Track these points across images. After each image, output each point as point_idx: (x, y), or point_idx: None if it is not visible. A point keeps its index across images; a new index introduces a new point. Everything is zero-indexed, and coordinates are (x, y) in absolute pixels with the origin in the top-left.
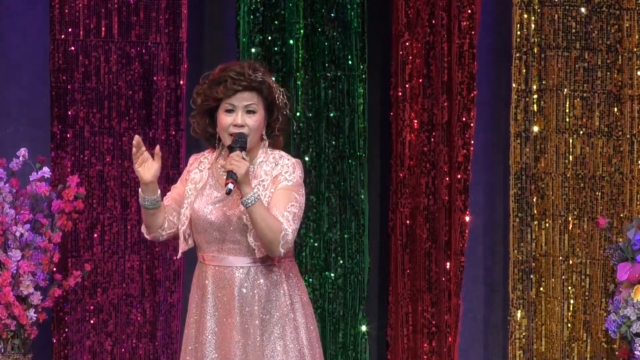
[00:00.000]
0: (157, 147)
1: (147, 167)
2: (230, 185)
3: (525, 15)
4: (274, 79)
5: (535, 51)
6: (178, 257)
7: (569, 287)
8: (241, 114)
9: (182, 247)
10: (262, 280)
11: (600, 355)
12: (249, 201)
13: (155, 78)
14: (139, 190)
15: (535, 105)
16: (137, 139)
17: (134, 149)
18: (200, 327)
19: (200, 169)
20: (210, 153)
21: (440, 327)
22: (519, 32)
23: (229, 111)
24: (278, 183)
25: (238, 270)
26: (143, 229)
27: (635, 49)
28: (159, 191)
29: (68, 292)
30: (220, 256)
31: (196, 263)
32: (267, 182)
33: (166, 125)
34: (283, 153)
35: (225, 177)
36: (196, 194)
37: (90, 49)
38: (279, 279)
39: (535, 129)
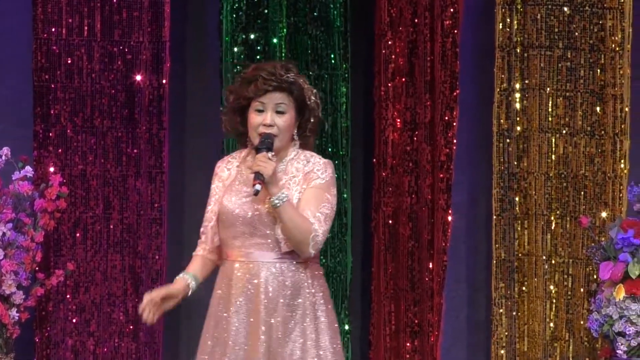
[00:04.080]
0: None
1: (162, 305)
2: (258, 186)
3: (508, 14)
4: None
5: (518, 50)
6: (217, 261)
7: (552, 287)
8: (271, 114)
9: (209, 244)
10: (287, 277)
11: (583, 354)
12: (277, 202)
13: (137, 77)
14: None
15: (518, 105)
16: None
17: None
18: (225, 324)
19: (228, 167)
20: (238, 153)
21: (423, 326)
22: (501, 31)
23: (259, 111)
24: (311, 180)
25: (264, 265)
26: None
27: (617, 48)
28: (187, 280)
29: (50, 291)
30: (247, 251)
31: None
32: (298, 178)
33: (149, 124)
34: (314, 153)
35: (252, 177)
36: (225, 190)
37: (73, 48)
38: (304, 277)
39: (518, 128)
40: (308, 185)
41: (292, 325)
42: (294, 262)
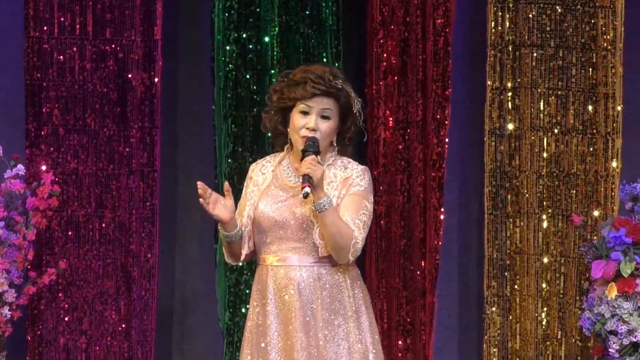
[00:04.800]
0: (226, 183)
1: (223, 206)
2: (307, 189)
3: (500, 13)
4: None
5: (510, 49)
6: (241, 260)
7: (544, 285)
8: (315, 118)
9: (245, 249)
10: (325, 281)
11: (575, 353)
12: (323, 206)
13: (129, 75)
14: (219, 227)
15: (509, 103)
16: (200, 185)
17: (200, 197)
18: (263, 329)
19: (263, 172)
20: (272, 157)
21: (415, 324)
22: (493, 30)
23: (304, 113)
24: (350, 187)
25: (300, 269)
26: (229, 259)
27: (609, 47)
28: (238, 222)
29: (42, 289)
30: (283, 256)
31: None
32: (336, 184)
33: (141, 122)
34: (351, 159)
35: (300, 180)
36: (260, 195)
37: (65, 46)
38: (343, 281)
39: (510, 126)
40: (347, 192)
41: (333, 328)
42: (332, 266)
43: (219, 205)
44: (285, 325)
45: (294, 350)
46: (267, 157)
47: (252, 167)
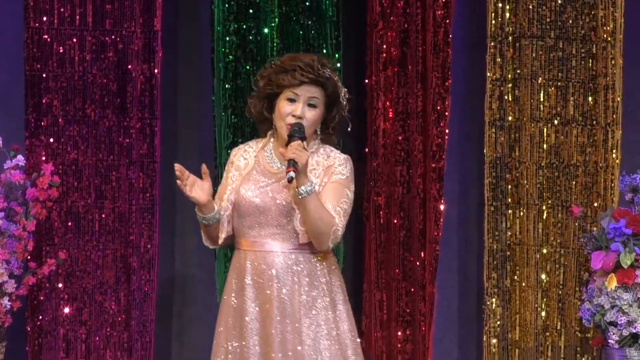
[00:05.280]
0: (204, 165)
1: (200, 188)
2: (292, 174)
3: (500, 4)
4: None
5: (510, 40)
6: (219, 244)
7: (543, 276)
8: (302, 106)
9: (223, 233)
10: (302, 267)
11: (574, 344)
12: (305, 192)
13: (129, 66)
14: (196, 210)
15: (509, 94)
16: (178, 167)
17: (178, 179)
18: (241, 313)
19: (245, 157)
20: (254, 142)
21: (415, 315)
22: (493, 21)
23: (291, 100)
24: (332, 175)
25: (279, 255)
26: (207, 242)
27: (609, 38)
28: (215, 205)
29: (42, 280)
30: (262, 241)
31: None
32: (318, 172)
33: (141, 113)
34: (333, 148)
35: (284, 166)
36: (241, 180)
37: (65, 37)
38: (320, 269)
39: (510, 118)
40: (329, 180)
41: (309, 314)
42: (310, 253)
43: (195, 187)
44: (262, 311)
45: (270, 335)
46: (250, 142)
47: (234, 151)
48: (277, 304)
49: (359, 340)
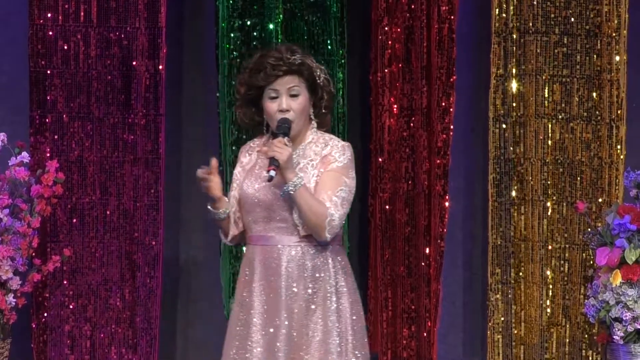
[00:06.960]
0: (214, 159)
1: (213, 184)
2: (272, 172)
3: (505, 0)
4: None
5: (515, 36)
6: (228, 241)
7: (548, 272)
8: (285, 99)
9: (233, 230)
10: (307, 260)
11: (579, 340)
12: (290, 189)
13: (134, 63)
14: (208, 206)
15: (514, 90)
16: (214, 161)
17: (203, 180)
18: (248, 307)
19: (250, 153)
20: (259, 139)
21: (420, 312)
22: (498, 17)
23: (273, 97)
24: (328, 163)
25: (284, 249)
26: (223, 238)
27: (614, 34)
28: (226, 199)
29: (47, 277)
30: (267, 235)
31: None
32: (316, 162)
33: (146, 110)
34: (333, 136)
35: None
36: (245, 175)
37: (69, 34)
38: (325, 260)
39: (514, 114)
40: (326, 168)
41: (314, 307)
42: (315, 245)
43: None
44: (268, 304)
45: (276, 329)
46: (255, 139)
47: (242, 149)
48: (284, 297)
49: (365, 331)
